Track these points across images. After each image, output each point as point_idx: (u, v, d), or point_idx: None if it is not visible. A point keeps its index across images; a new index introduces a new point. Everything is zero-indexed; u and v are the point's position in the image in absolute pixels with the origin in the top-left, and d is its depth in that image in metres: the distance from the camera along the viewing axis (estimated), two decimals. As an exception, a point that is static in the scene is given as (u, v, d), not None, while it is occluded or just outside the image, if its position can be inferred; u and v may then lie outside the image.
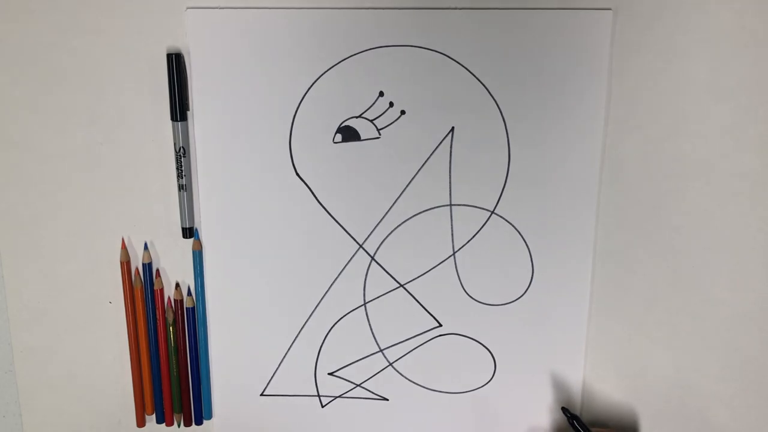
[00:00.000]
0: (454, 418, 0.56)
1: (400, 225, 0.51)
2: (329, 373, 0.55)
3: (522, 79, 0.48)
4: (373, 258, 0.52)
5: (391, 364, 0.55)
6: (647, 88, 0.48)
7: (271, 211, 0.51)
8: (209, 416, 0.56)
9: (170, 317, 0.53)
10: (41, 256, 0.52)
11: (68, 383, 0.55)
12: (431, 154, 0.50)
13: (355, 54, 0.48)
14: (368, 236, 0.51)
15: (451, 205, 0.51)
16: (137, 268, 0.52)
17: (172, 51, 0.48)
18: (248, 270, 0.52)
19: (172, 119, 0.49)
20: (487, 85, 0.48)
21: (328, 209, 0.51)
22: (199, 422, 0.56)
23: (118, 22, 0.47)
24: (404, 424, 0.56)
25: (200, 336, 0.53)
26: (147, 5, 0.47)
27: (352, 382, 0.55)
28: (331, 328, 0.54)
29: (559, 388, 0.54)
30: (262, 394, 0.55)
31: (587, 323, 0.53)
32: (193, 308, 0.53)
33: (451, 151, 0.50)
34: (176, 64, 0.47)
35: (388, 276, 0.52)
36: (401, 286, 0.53)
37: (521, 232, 0.51)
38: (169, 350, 0.53)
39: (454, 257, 0.52)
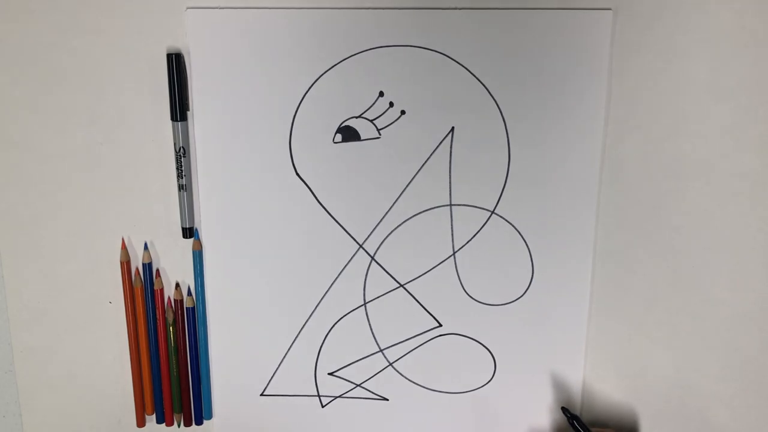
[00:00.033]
0: (454, 418, 0.56)
1: (400, 225, 0.51)
2: (329, 373, 0.55)
3: (522, 79, 0.48)
4: (373, 258, 0.52)
5: (391, 364, 0.55)
6: (647, 88, 0.48)
7: (271, 211, 0.51)
8: (209, 416, 0.56)
9: (170, 317, 0.53)
10: (41, 256, 0.52)
11: (68, 383, 0.55)
12: (431, 154, 0.50)
13: (355, 54, 0.48)
14: (368, 236, 0.51)
15: (451, 205, 0.51)
16: (137, 268, 0.52)
17: (172, 51, 0.48)
18: (248, 270, 0.52)
19: (172, 119, 0.49)
20: (487, 85, 0.48)
21: (328, 209, 0.51)
22: (199, 422, 0.56)
23: (118, 22, 0.47)
24: (404, 424, 0.56)
25: (200, 336, 0.53)
26: (147, 5, 0.47)
27: (352, 382, 0.55)
28: (331, 328, 0.54)
29: (559, 388, 0.54)
30: (262, 394, 0.55)
31: (587, 323, 0.53)
32: (193, 308, 0.53)
33: (451, 151, 0.50)
34: (176, 64, 0.47)
35: (388, 276, 0.52)
36: (401, 286, 0.53)
37: (521, 232, 0.51)
38: (169, 350, 0.53)
39: (454, 257, 0.52)
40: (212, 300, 0.53)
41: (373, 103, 0.49)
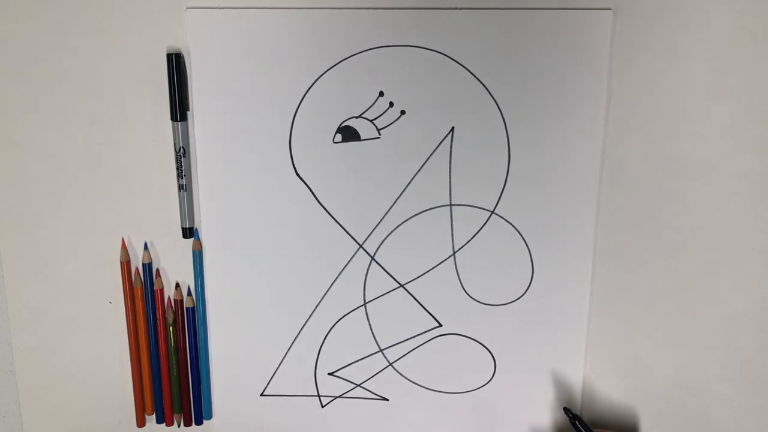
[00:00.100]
0: (454, 418, 0.56)
1: (400, 225, 0.51)
2: (329, 373, 0.55)
3: (522, 79, 0.48)
4: (373, 258, 0.52)
5: (391, 364, 0.55)
6: (647, 88, 0.48)
7: (271, 211, 0.51)
8: (209, 416, 0.56)
9: (170, 317, 0.53)
10: (41, 256, 0.52)
11: (68, 383, 0.55)
12: (431, 154, 0.50)
13: (355, 54, 0.48)
14: (368, 236, 0.51)
15: (451, 205, 0.51)
16: (137, 268, 0.52)
17: (172, 51, 0.48)
18: (248, 270, 0.52)
19: (172, 119, 0.49)
20: (487, 85, 0.48)
21: (328, 209, 0.51)
22: (199, 422, 0.56)
23: (118, 22, 0.47)
24: (404, 424, 0.56)
25: (200, 336, 0.53)
26: (147, 5, 0.47)
27: (352, 382, 0.55)
28: (331, 328, 0.54)
29: (560, 388, 0.54)
30: (262, 394, 0.55)
31: (587, 323, 0.53)
32: (193, 308, 0.53)
33: (451, 151, 0.50)
34: (176, 64, 0.47)
35: (388, 276, 0.52)
36: (401, 286, 0.53)
37: (521, 232, 0.51)
38: (169, 350, 0.53)
39: (454, 257, 0.52)
40: (212, 300, 0.53)
41: (373, 103, 0.49)
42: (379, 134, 0.49)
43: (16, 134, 0.49)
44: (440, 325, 0.54)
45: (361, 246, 0.52)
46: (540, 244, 0.51)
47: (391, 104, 0.49)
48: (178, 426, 0.56)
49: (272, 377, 0.55)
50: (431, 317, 0.53)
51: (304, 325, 0.53)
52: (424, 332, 0.54)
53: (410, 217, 0.51)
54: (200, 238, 0.51)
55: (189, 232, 0.51)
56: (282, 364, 0.54)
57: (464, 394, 0.55)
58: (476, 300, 0.53)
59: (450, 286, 0.52)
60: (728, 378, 0.53)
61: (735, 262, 0.50)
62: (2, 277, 0.52)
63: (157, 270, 0.53)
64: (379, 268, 0.52)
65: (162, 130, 0.49)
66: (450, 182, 0.50)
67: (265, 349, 0.54)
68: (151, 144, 0.50)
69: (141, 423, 0.56)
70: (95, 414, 0.56)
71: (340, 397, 0.55)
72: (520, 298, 0.53)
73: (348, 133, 0.49)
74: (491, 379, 0.55)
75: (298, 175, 0.50)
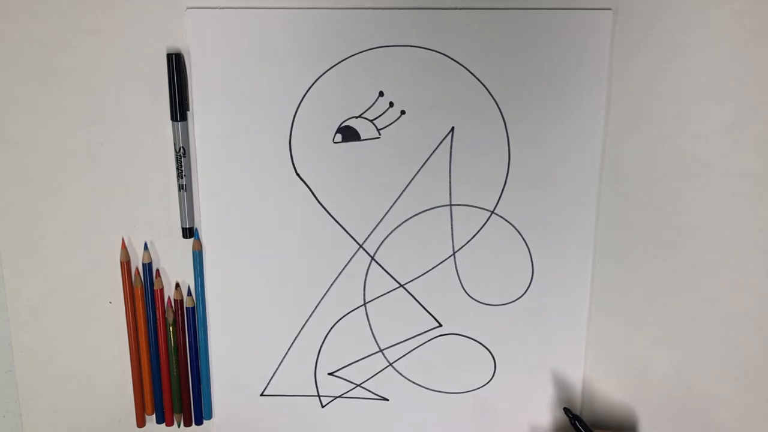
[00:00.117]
0: (454, 418, 0.56)
1: (400, 225, 0.51)
2: (329, 373, 0.55)
3: (522, 79, 0.48)
4: (373, 258, 0.52)
5: (391, 364, 0.55)
6: (647, 88, 0.48)
7: (271, 211, 0.51)
8: (209, 416, 0.56)
9: (170, 317, 0.53)
10: (41, 256, 0.52)
11: (68, 383, 0.55)
12: (431, 154, 0.50)
13: (355, 54, 0.48)
14: (368, 236, 0.51)
15: (451, 205, 0.51)
16: (137, 268, 0.52)
17: (172, 51, 0.48)
18: (248, 270, 0.52)
19: (172, 119, 0.49)
20: (487, 85, 0.48)
21: (328, 209, 0.51)
22: (199, 422, 0.56)
23: (118, 22, 0.47)
24: (404, 424, 0.56)
25: (200, 336, 0.53)
26: (147, 5, 0.47)
27: (352, 382, 0.55)
28: (331, 328, 0.54)
29: (560, 388, 0.54)
30: (262, 394, 0.55)
31: (587, 323, 0.53)
32: (193, 308, 0.53)
33: (451, 151, 0.50)
34: (176, 64, 0.47)
35: (388, 276, 0.52)
36: (401, 286, 0.53)
37: (521, 232, 0.51)
38: (169, 350, 0.53)
39: (454, 257, 0.52)
40: (212, 300, 0.53)
41: (373, 103, 0.49)
42: (379, 134, 0.49)
43: (16, 134, 0.49)
44: (440, 325, 0.54)
45: (361, 246, 0.52)
46: (540, 244, 0.51)
47: (391, 104, 0.49)
48: (178, 426, 0.56)
49: (272, 377, 0.55)
50: (431, 317, 0.53)
51: (304, 325, 0.53)
52: (424, 332, 0.54)
53: (410, 217, 0.51)
54: (200, 238, 0.51)
55: (189, 232, 0.51)
56: (282, 364, 0.54)
57: (464, 394, 0.55)
58: (476, 300, 0.53)
59: (450, 286, 0.52)
60: (728, 378, 0.53)
61: (735, 262, 0.50)
62: (2, 277, 0.52)
63: (157, 270, 0.53)
64: (379, 268, 0.52)
65: (162, 130, 0.49)
66: (450, 182, 0.50)
67: (265, 349, 0.54)
68: (151, 144, 0.50)
69: (141, 423, 0.56)
70: (95, 414, 0.56)
71: (340, 397, 0.55)
72: (520, 298, 0.53)
73: (348, 133, 0.49)
74: (491, 379, 0.55)
75: (298, 175, 0.50)
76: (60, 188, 0.50)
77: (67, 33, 0.47)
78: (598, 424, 0.55)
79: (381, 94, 0.48)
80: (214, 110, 0.48)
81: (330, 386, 0.55)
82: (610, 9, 0.46)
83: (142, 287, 0.52)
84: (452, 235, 0.51)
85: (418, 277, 0.52)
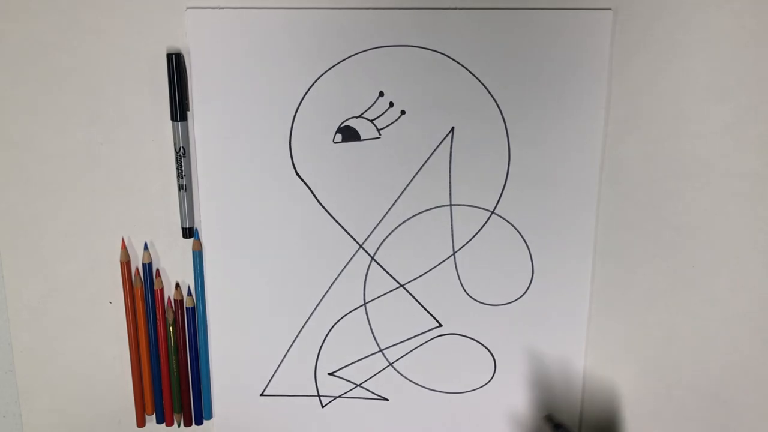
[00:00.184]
0: (454, 418, 0.56)
1: (400, 225, 0.51)
2: (329, 373, 0.55)
3: (522, 79, 0.48)
4: (373, 258, 0.52)
5: (391, 364, 0.55)
6: (647, 88, 0.48)
7: (271, 211, 0.51)
8: (209, 416, 0.56)
9: (170, 317, 0.53)
10: (41, 256, 0.52)
11: (68, 383, 0.55)
12: (431, 154, 0.50)
13: (355, 54, 0.48)
14: (368, 236, 0.51)
15: (451, 205, 0.51)
16: (137, 268, 0.52)
17: (172, 51, 0.48)
18: (248, 270, 0.52)
19: (172, 119, 0.49)
20: (487, 85, 0.48)
21: (328, 209, 0.51)
22: (199, 422, 0.56)
23: (118, 22, 0.47)
24: (404, 424, 0.56)
25: (200, 336, 0.53)
26: (147, 5, 0.47)
27: (352, 382, 0.55)
28: (331, 328, 0.54)
29: (560, 387, 0.54)
30: (262, 394, 0.55)
31: (587, 323, 0.53)
32: (193, 308, 0.53)
33: (451, 151, 0.50)
34: (176, 64, 0.47)
35: (388, 276, 0.52)
36: (401, 286, 0.53)
37: (521, 232, 0.51)
38: (169, 350, 0.53)
39: (454, 257, 0.52)
40: (212, 300, 0.53)
41: (373, 103, 0.49)
42: (379, 134, 0.49)
43: (16, 134, 0.49)
44: (440, 325, 0.54)
45: (361, 246, 0.52)
46: (540, 244, 0.51)
47: (391, 104, 0.49)
48: (178, 426, 0.56)
49: (272, 377, 0.55)
50: (431, 317, 0.53)
51: (304, 325, 0.53)
52: (424, 332, 0.54)
53: (410, 217, 0.51)
54: (200, 238, 0.51)
55: (189, 232, 0.51)
56: (282, 364, 0.54)
57: (464, 394, 0.55)
58: (476, 300, 0.53)
59: (450, 286, 0.52)
60: (728, 378, 0.53)
61: (735, 262, 0.50)
62: (2, 277, 0.52)
63: (157, 270, 0.53)
64: (379, 268, 0.52)
65: (162, 130, 0.49)
66: (450, 182, 0.50)
67: (265, 349, 0.54)
68: (151, 144, 0.50)
69: (141, 423, 0.56)
70: (95, 414, 0.56)
71: (340, 397, 0.55)
72: (520, 298, 0.53)
73: (348, 133, 0.49)
74: (491, 379, 0.55)
75: (298, 175, 0.50)
76: (60, 188, 0.50)
77: (67, 33, 0.47)
78: (598, 424, 0.55)
79: (381, 94, 0.48)
80: (214, 110, 0.48)
81: (330, 386, 0.55)
82: (610, 9, 0.46)
83: (142, 287, 0.52)
84: (452, 235, 0.51)
85: (418, 277, 0.52)
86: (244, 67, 0.48)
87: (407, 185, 0.50)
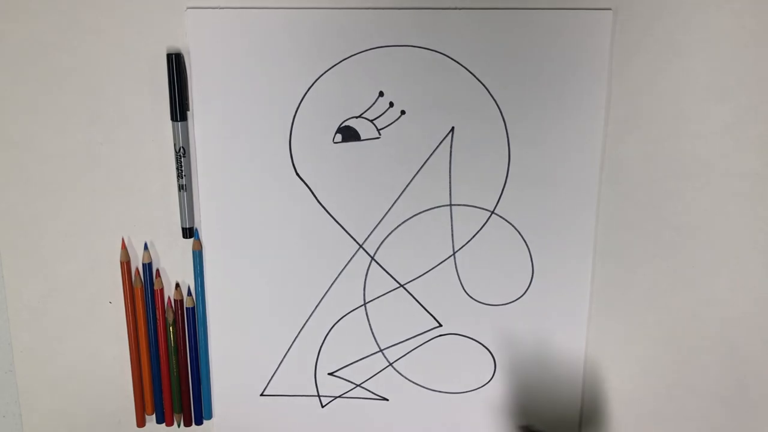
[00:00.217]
0: (454, 418, 0.56)
1: (400, 225, 0.51)
2: (329, 373, 0.55)
3: (522, 79, 0.48)
4: (373, 258, 0.52)
5: (391, 364, 0.55)
6: (647, 88, 0.48)
7: (271, 211, 0.51)
8: (209, 416, 0.56)
9: (170, 317, 0.53)
10: (41, 256, 0.52)
11: (68, 383, 0.55)
12: (431, 154, 0.50)
13: (355, 54, 0.48)
14: (368, 236, 0.51)
15: (451, 205, 0.51)
16: (137, 268, 0.52)
17: (172, 51, 0.48)
18: (248, 270, 0.52)
19: (172, 119, 0.49)
20: (487, 85, 0.48)
21: (328, 209, 0.51)
22: (199, 422, 0.56)
23: (118, 22, 0.47)
24: (404, 424, 0.56)
25: (200, 336, 0.53)
26: (147, 5, 0.47)
27: (352, 382, 0.55)
28: (331, 328, 0.54)
29: (560, 387, 0.54)
30: (262, 394, 0.55)
31: (587, 323, 0.53)
32: (193, 308, 0.53)
33: (451, 151, 0.50)
34: (176, 64, 0.47)
35: (388, 276, 0.52)
36: (401, 286, 0.53)
37: (521, 232, 0.51)
38: (169, 350, 0.53)
39: (454, 257, 0.52)
40: (212, 300, 0.53)
41: (373, 103, 0.49)
42: (379, 134, 0.49)
43: (16, 134, 0.49)
44: (440, 325, 0.54)
45: (361, 246, 0.52)
46: (540, 244, 0.51)
47: (391, 104, 0.49)
48: (178, 426, 0.56)
49: (272, 377, 0.55)
50: (431, 317, 0.53)
51: (304, 325, 0.53)
52: (424, 332, 0.54)
53: (410, 217, 0.51)
54: (200, 238, 0.51)
55: (189, 232, 0.51)
56: (282, 364, 0.54)
57: (464, 394, 0.55)
58: (476, 300, 0.53)
59: (450, 286, 0.52)
60: (728, 378, 0.53)
61: (735, 262, 0.50)
62: (2, 277, 0.52)
63: (157, 270, 0.53)
64: (379, 268, 0.52)
65: (162, 130, 0.49)
66: (450, 182, 0.50)
67: (265, 349, 0.54)
68: (151, 144, 0.50)
69: (141, 423, 0.56)
70: (95, 414, 0.56)
71: (340, 397, 0.55)
72: (520, 298, 0.53)
73: (348, 133, 0.49)
74: (491, 379, 0.55)
75: (298, 175, 0.50)
76: (60, 188, 0.50)
77: (67, 33, 0.47)
78: (598, 425, 0.55)
79: (381, 94, 0.48)
80: (214, 110, 0.48)
81: (330, 386, 0.55)
82: (610, 9, 0.46)
83: (142, 287, 0.52)
84: (452, 235, 0.51)
85: (418, 277, 0.52)
86: (244, 67, 0.48)
87: (407, 185, 0.50)
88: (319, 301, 0.53)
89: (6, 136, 0.49)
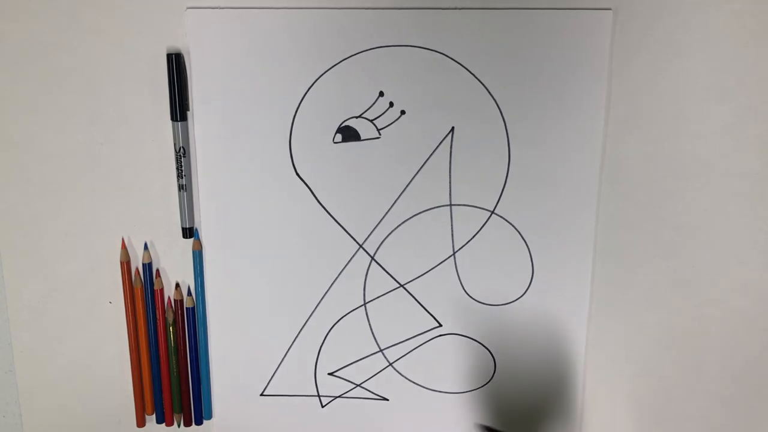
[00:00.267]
0: (454, 418, 0.56)
1: (400, 225, 0.51)
2: (329, 373, 0.55)
3: (522, 79, 0.48)
4: (373, 258, 0.52)
5: (391, 364, 0.55)
6: (647, 88, 0.48)
7: (271, 211, 0.51)
8: (209, 416, 0.56)
9: (170, 317, 0.53)
10: (41, 256, 0.52)
11: (68, 383, 0.55)
12: (431, 154, 0.50)
13: (355, 54, 0.48)
14: (368, 236, 0.51)
15: (451, 205, 0.51)
16: (137, 268, 0.52)
17: (172, 51, 0.48)
18: (248, 270, 0.52)
19: (172, 119, 0.49)
20: (487, 85, 0.48)
21: (328, 209, 0.51)
22: (199, 422, 0.56)
23: (118, 22, 0.47)
24: (404, 424, 0.56)
25: (200, 336, 0.53)
26: (147, 5, 0.47)
27: (352, 382, 0.55)
28: (331, 328, 0.54)
29: (560, 388, 0.54)
30: (262, 394, 0.55)
31: (587, 323, 0.53)
32: (193, 308, 0.53)
33: (451, 151, 0.50)
34: (176, 64, 0.47)
35: (388, 276, 0.52)
36: (401, 286, 0.53)
37: (521, 232, 0.51)
38: (169, 350, 0.53)
39: (454, 257, 0.52)
40: (212, 300, 0.53)
41: (373, 103, 0.49)
42: (379, 134, 0.49)
43: (16, 134, 0.49)
44: (440, 325, 0.54)
45: (361, 246, 0.52)
46: (540, 244, 0.51)
47: (391, 104, 0.49)
48: (178, 426, 0.56)
49: (272, 377, 0.55)
50: (431, 317, 0.53)
51: (304, 325, 0.53)
52: (424, 332, 0.54)
53: (410, 217, 0.51)
54: (200, 238, 0.51)
55: (189, 232, 0.51)
56: (282, 364, 0.54)
57: (464, 394, 0.55)
58: (476, 300, 0.53)
59: (450, 286, 0.52)
60: (728, 378, 0.53)
61: (735, 262, 0.50)
62: (2, 277, 0.52)
63: (157, 270, 0.53)
64: (379, 268, 0.52)
65: (162, 130, 0.49)
66: (450, 182, 0.50)
67: (265, 349, 0.54)
68: (151, 144, 0.50)
69: (141, 423, 0.56)
70: (95, 414, 0.56)
71: (340, 397, 0.55)
72: (520, 298, 0.53)
73: (348, 133, 0.49)
74: (491, 378, 0.55)
75: (298, 175, 0.50)
76: (60, 188, 0.50)
77: (67, 33, 0.47)
78: (598, 425, 0.55)
79: (381, 94, 0.48)
80: (214, 110, 0.48)
81: (330, 386, 0.55)
82: (610, 9, 0.46)
83: (142, 287, 0.52)
84: (452, 235, 0.51)
85: (418, 277, 0.52)
86: (244, 67, 0.48)
87: (407, 185, 0.50)
88: (319, 301, 0.53)
89: (6, 136, 0.49)
